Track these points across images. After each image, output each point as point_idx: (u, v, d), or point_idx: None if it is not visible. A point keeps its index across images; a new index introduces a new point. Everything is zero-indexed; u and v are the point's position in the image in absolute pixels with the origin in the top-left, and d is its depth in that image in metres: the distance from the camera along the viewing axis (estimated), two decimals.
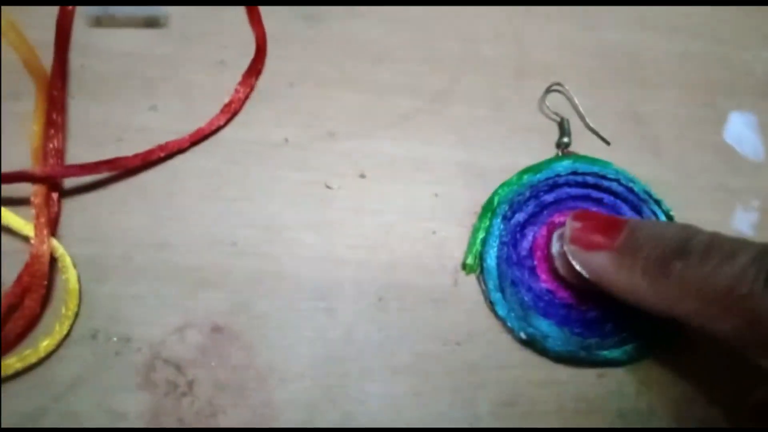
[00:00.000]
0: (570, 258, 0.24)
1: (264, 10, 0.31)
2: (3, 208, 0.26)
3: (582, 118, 0.30)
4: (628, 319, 0.25)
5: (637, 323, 0.25)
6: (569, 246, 0.24)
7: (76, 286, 0.25)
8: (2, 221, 0.25)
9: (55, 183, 0.26)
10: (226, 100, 0.29)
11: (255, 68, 0.29)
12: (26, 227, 0.25)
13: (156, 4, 0.30)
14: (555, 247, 0.26)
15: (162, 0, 0.30)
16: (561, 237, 0.25)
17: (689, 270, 0.20)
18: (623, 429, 0.25)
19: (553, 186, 0.28)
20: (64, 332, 0.25)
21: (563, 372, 0.25)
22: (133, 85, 0.29)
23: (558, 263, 0.26)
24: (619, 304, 0.25)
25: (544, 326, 0.25)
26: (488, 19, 0.32)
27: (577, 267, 0.24)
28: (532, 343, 0.25)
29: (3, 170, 0.26)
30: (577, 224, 0.24)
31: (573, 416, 0.25)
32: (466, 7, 0.32)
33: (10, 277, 0.25)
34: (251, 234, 0.27)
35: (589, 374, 0.25)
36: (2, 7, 0.29)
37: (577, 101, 0.30)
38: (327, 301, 0.26)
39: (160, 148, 0.27)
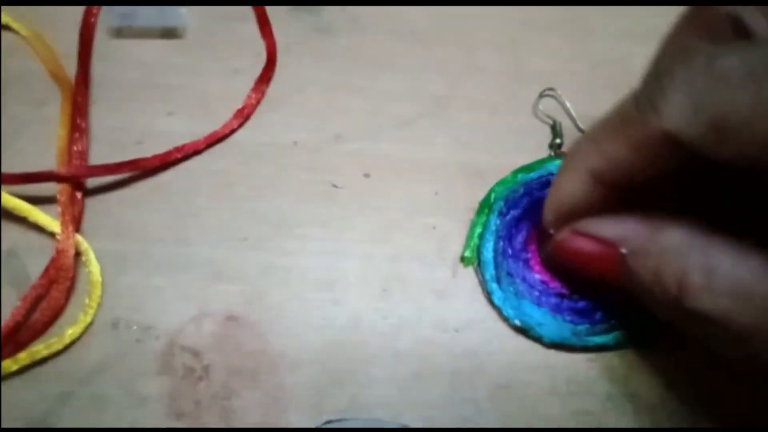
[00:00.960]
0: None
1: (275, 24, 0.33)
2: (31, 206, 0.27)
3: (573, 120, 0.31)
4: (617, 307, 0.27)
5: (626, 312, 0.27)
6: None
7: (99, 279, 0.27)
8: (31, 218, 0.27)
9: (79, 182, 0.28)
10: (239, 105, 0.31)
11: (266, 76, 0.31)
12: (53, 224, 0.27)
13: (174, 3, 0.32)
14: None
15: (179, 0, 0.32)
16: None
17: None
18: (628, 429, 0.26)
19: (546, 184, 0.29)
20: (88, 321, 0.26)
21: (555, 357, 0.27)
22: (152, 92, 0.31)
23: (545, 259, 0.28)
24: (608, 294, 0.27)
25: (538, 314, 0.27)
26: (486, 29, 0.34)
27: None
28: (526, 330, 0.27)
29: (31, 170, 0.28)
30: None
31: (565, 398, 0.26)
32: (466, 17, 0.34)
33: (37, 270, 0.27)
34: (262, 230, 0.29)
35: (579, 359, 0.27)
36: (30, 20, 0.31)
37: (569, 105, 0.31)
38: (334, 291, 0.28)
39: (177, 150, 0.29)
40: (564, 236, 0.25)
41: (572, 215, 0.25)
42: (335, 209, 0.29)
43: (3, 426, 0.25)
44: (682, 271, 0.21)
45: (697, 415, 0.26)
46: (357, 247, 0.29)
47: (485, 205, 0.29)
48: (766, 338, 0.20)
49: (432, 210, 0.29)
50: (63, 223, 0.27)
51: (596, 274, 0.24)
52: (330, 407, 0.26)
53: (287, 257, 0.28)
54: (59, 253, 0.27)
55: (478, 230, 0.29)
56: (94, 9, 0.32)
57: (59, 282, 0.26)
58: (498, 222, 0.29)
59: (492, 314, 0.28)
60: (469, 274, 0.28)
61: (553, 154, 0.30)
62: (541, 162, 0.30)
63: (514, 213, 0.29)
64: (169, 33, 0.32)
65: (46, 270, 0.27)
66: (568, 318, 0.27)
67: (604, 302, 0.27)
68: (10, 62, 0.31)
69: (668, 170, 0.22)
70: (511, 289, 0.28)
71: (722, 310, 0.20)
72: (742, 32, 0.20)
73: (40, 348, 0.26)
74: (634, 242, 0.23)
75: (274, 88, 0.32)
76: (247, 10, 0.33)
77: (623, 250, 0.23)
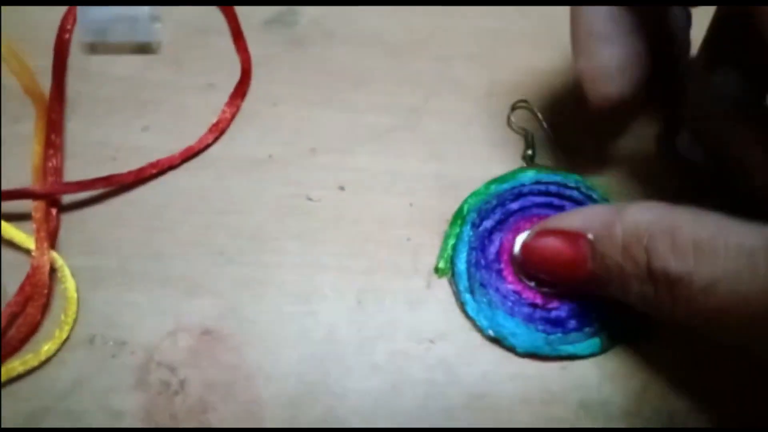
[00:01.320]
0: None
1: (249, 37, 0.33)
2: (5, 223, 0.27)
3: (546, 131, 0.32)
4: (590, 316, 0.27)
5: (599, 320, 0.27)
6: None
7: (75, 295, 0.27)
8: (4, 235, 0.27)
9: (54, 199, 0.28)
10: (213, 120, 0.31)
11: (241, 90, 0.32)
12: (27, 240, 0.27)
13: (152, 3, 0.32)
14: (518, 248, 0.28)
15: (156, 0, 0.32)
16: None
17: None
18: (624, 429, 0.27)
19: (518, 195, 0.30)
20: (64, 337, 0.26)
21: (529, 366, 0.27)
22: (127, 107, 0.31)
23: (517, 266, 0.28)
24: (580, 303, 0.27)
25: (511, 324, 0.27)
26: (458, 42, 0.34)
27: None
28: (499, 341, 0.27)
29: (5, 187, 0.28)
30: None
31: (538, 406, 0.27)
32: (438, 30, 0.34)
33: (12, 287, 0.27)
34: (238, 243, 0.29)
35: (552, 367, 0.27)
36: (4, 35, 0.31)
37: (541, 117, 0.32)
38: (310, 304, 0.28)
39: (152, 165, 0.29)
40: (530, 238, 0.26)
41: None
42: (310, 222, 0.29)
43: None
44: (648, 238, 0.22)
45: (671, 420, 0.27)
46: (332, 259, 0.29)
47: (458, 217, 0.29)
48: (726, 289, 0.21)
49: (406, 222, 0.30)
50: (38, 240, 0.27)
51: (565, 271, 0.25)
52: (306, 419, 0.26)
53: (263, 271, 0.28)
54: (34, 269, 0.27)
55: (452, 241, 0.29)
56: (68, 24, 0.32)
57: (35, 299, 0.27)
58: (471, 233, 0.29)
59: (466, 325, 0.28)
60: (443, 285, 0.29)
61: (525, 165, 0.31)
62: (514, 173, 0.30)
63: (486, 224, 0.29)
64: (144, 48, 0.33)
65: (22, 287, 0.27)
66: (540, 327, 0.28)
67: (576, 310, 0.28)
68: None
69: None
70: (485, 299, 0.28)
71: (688, 267, 0.21)
72: None
73: (15, 364, 0.26)
74: (599, 227, 0.24)
75: (248, 102, 0.32)
76: (222, 25, 0.33)
77: (590, 236, 0.24)
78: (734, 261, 0.21)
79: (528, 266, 0.27)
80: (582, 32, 0.26)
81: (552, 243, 0.25)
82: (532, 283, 0.28)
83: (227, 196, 0.30)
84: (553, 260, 0.26)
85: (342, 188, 0.30)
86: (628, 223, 0.23)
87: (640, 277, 0.23)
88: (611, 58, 0.25)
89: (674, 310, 0.23)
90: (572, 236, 0.25)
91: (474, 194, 0.30)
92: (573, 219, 0.25)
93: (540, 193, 0.30)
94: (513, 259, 0.28)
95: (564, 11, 0.27)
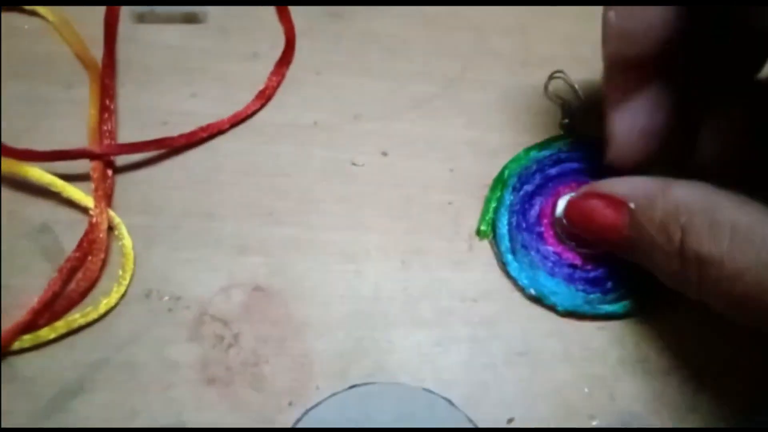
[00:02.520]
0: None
1: (293, 8, 0.34)
2: (65, 182, 0.28)
3: (581, 101, 0.32)
4: (627, 277, 0.28)
5: (635, 281, 0.28)
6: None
7: (131, 252, 0.28)
8: (64, 194, 0.28)
9: (110, 160, 0.29)
10: (260, 87, 0.32)
11: (285, 59, 0.32)
12: (86, 199, 0.28)
13: (194, 4, 0.33)
14: (558, 211, 0.29)
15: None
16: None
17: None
18: (626, 429, 0.27)
19: (557, 161, 0.31)
20: (122, 292, 0.27)
21: (568, 325, 0.28)
22: (176, 74, 0.32)
23: (561, 229, 0.29)
24: (619, 264, 0.28)
25: (551, 284, 0.28)
26: (496, 14, 0.35)
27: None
28: (540, 300, 0.28)
29: (64, 149, 0.29)
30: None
31: (578, 363, 0.28)
32: (475, 2, 0.35)
33: (69, 244, 0.28)
34: (286, 205, 0.30)
35: (591, 326, 0.28)
36: (58, 6, 0.32)
37: (577, 87, 0.33)
38: (356, 263, 0.29)
39: (202, 129, 0.30)
40: (577, 196, 0.27)
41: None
42: (355, 186, 0.30)
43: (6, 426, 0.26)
44: (687, 216, 0.23)
45: (707, 379, 0.28)
46: (376, 221, 0.30)
47: (499, 181, 0.30)
48: (755, 279, 0.21)
49: (447, 186, 0.31)
50: (96, 198, 0.28)
51: (603, 233, 0.26)
52: (355, 373, 0.27)
53: (310, 231, 0.29)
54: (93, 226, 0.28)
55: (493, 205, 0.30)
56: None
57: (93, 254, 0.28)
58: (512, 197, 0.30)
59: (507, 284, 0.29)
60: (484, 247, 0.30)
61: (563, 132, 0.32)
62: (552, 140, 0.31)
63: (527, 188, 0.30)
64: (191, 18, 0.33)
65: (80, 243, 0.28)
66: (580, 287, 0.28)
67: (614, 271, 0.28)
68: (39, 46, 0.32)
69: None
70: (526, 260, 0.29)
71: (721, 251, 0.22)
72: None
73: (76, 317, 0.27)
74: (642, 198, 0.25)
75: (293, 71, 0.33)
76: None
77: (631, 205, 0.25)
78: (766, 256, 0.21)
79: (571, 222, 0.28)
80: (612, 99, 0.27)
81: (596, 205, 0.26)
82: (572, 244, 0.29)
83: (274, 160, 0.31)
84: (594, 221, 0.26)
85: (385, 154, 0.31)
86: (670, 199, 0.24)
87: (671, 253, 0.24)
88: (634, 130, 0.27)
89: (700, 289, 0.23)
90: (616, 202, 0.26)
91: (514, 160, 0.31)
92: (620, 186, 0.26)
93: (577, 160, 0.31)
94: (554, 221, 0.29)
95: None
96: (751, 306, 0.22)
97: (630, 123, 0.27)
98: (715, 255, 0.22)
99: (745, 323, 0.23)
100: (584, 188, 0.27)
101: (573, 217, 0.27)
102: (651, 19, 0.25)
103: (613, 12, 0.26)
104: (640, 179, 0.26)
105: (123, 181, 0.30)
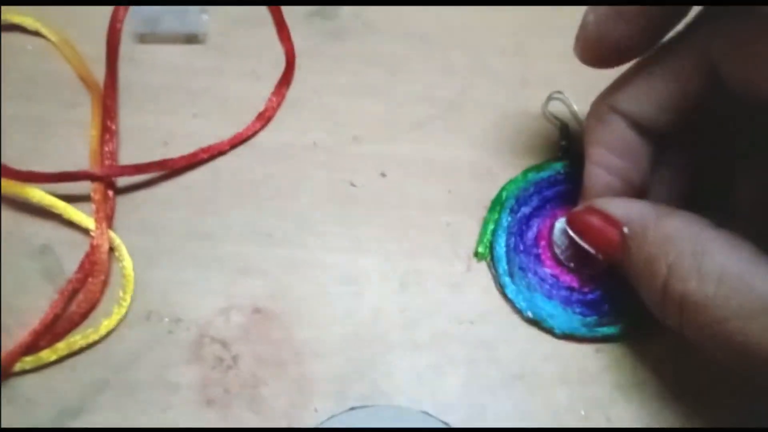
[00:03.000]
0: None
1: (293, 29, 0.34)
2: (66, 204, 0.29)
3: (580, 123, 0.33)
4: (625, 299, 0.28)
5: (633, 303, 0.28)
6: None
7: (132, 273, 0.28)
8: (65, 215, 0.29)
9: (111, 181, 0.29)
10: (260, 108, 0.32)
11: (286, 80, 0.33)
12: (87, 220, 0.29)
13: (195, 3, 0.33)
14: (556, 233, 0.29)
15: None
16: (563, 231, 0.29)
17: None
18: (626, 429, 0.28)
19: (554, 183, 0.31)
20: (122, 314, 0.28)
21: (565, 347, 0.28)
22: (177, 95, 0.32)
23: (559, 250, 0.29)
24: (616, 287, 0.28)
25: (549, 307, 0.29)
26: (495, 33, 0.35)
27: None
28: (538, 322, 0.28)
29: (61, 169, 0.29)
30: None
31: (575, 386, 0.28)
32: (473, 22, 0.35)
33: (70, 265, 0.28)
34: (285, 227, 0.30)
35: (588, 349, 0.28)
36: (58, 25, 0.32)
37: (576, 108, 0.33)
38: (354, 285, 0.29)
39: (203, 150, 0.31)
40: (579, 209, 0.27)
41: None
42: (354, 207, 0.31)
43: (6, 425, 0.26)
44: (675, 255, 0.23)
45: (704, 402, 0.28)
46: (375, 243, 0.30)
47: (497, 203, 0.30)
48: (737, 328, 0.21)
49: (446, 207, 0.31)
50: (98, 220, 0.28)
51: (601, 248, 0.26)
52: (353, 395, 0.27)
53: (309, 253, 0.30)
54: (94, 248, 0.28)
55: (491, 227, 0.30)
56: (120, 15, 0.33)
57: (94, 276, 0.28)
58: (510, 219, 0.30)
59: (505, 307, 0.29)
60: (482, 268, 0.30)
61: (561, 154, 0.32)
62: (550, 162, 0.31)
63: (524, 210, 0.30)
64: (192, 38, 0.34)
65: (82, 264, 0.28)
66: (577, 310, 0.29)
67: (612, 294, 0.29)
68: (41, 66, 0.32)
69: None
70: (523, 282, 0.29)
71: (706, 296, 0.22)
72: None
73: (77, 338, 0.27)
74: (636, 224, 0.25)
75: (293, 91, 0.33)
76: (266, 16, 0.35)
77: (625, 230, 0.25)
78: (751, 307, 0.21)
79: (572, 230, 0.28)
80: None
81: (595, 221, 0.26)
82: (570, 265, 0.29)
83: (274, 181, 0.31)
84: (593, 235, 0.27)
85: (383, 175, 0.31)
86: (661, 232, 0.24)
87: (655, 288, 0.24)
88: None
89: (681, 326, 0.24)
90: (612, 222, 0.26)
91: (512, 182, 0.31)
92: (617, 207, 0.26)
93: (575, 182, 0.31)
94: (552, 243, 0.29)
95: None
96: (734, 352, 0.22)
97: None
98: (699, 300, 0.22)
99: (725, 364, 0.23)
100: (587, 202, 0.27)
101: (573, 226, 0.27)
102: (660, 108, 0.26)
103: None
104: (638, 203, 0.26)
105: (124, 201, 0.30)
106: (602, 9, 0.25)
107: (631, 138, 0.26)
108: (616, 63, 0.26)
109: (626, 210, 0.26)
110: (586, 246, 0.27)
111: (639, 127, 0.26)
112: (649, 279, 0.24)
